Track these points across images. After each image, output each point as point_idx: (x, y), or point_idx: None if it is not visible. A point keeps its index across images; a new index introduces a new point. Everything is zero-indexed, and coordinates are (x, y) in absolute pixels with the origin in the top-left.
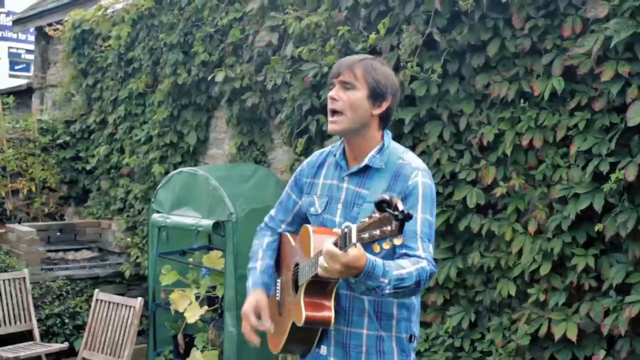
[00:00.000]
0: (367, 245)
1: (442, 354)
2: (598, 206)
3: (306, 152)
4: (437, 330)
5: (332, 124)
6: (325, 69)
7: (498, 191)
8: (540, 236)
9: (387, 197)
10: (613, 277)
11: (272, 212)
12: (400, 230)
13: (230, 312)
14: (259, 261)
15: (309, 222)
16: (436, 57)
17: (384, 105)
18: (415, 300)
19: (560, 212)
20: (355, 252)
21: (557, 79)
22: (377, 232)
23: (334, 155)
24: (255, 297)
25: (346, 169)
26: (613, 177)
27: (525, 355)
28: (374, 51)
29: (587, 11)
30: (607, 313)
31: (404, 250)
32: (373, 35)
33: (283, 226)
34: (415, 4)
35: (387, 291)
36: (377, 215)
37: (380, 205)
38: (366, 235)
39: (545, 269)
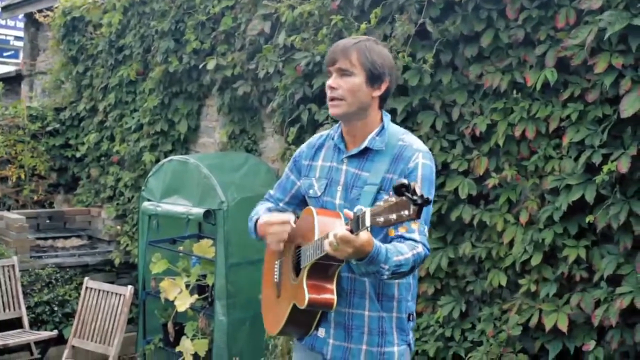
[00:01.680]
0: (382, 229)
1: (432, 344)
2: (590, 197)
3: (298, 141)
4: (428, 320)
5: (333, 108)
6: (318, 58)
7: (490, 182)
8: (532, 227)
9: (405, 181)
10: (604, 268)
11: (271, 191)
12: (418, 215)
13: (221, 301)
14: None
15: (306, 204)
16: (429, 47)
17: (383, 87)
18: (412, 280)
19: (552, 203)
20: (366, 236)
21: (550, 70)
22: (394, 216)
23: (332, 139)
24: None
25: (345, 151)
26: (605, 168)
27: (516, 346)
28: None
29: (581, 2)
30: (597, 304)
31: (400, 233)
32: (363, 25)
33: (280, 205)
34: None
35: (385, 276)
36: (393, 199)
37: (399, 189)
38: (381, 219)
39: (536, 260)
